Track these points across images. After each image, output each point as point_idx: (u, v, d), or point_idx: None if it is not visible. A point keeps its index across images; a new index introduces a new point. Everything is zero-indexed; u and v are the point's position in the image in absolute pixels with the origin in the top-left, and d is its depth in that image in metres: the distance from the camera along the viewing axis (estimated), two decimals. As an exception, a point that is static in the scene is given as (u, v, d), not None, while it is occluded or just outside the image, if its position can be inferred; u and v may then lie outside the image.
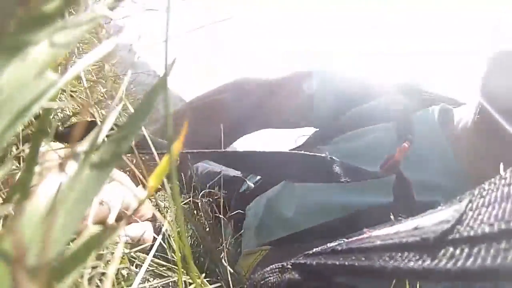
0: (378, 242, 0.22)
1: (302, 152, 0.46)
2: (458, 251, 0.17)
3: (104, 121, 0.12)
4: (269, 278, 0.30)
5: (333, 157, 0.46)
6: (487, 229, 0.17)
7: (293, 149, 0.68)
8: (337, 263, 0.23)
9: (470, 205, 0.20)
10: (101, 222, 0.32)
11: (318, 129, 0.67)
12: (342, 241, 0.27)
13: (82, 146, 0.12)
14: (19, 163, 0.32)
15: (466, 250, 0.17)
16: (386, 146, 0.52)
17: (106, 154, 0.12)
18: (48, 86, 0.12)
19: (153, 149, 0.24)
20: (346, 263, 0.23)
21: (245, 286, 0.39)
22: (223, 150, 0.44)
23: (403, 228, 0.22)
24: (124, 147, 0.12)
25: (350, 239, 0.27)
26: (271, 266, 0.32)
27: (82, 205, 0.12)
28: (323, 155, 0.45)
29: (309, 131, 0.70)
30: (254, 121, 0.64)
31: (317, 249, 0.29)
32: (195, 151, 0.42)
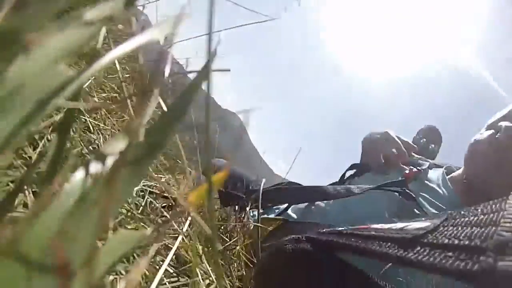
0: (373, 233, 0.29)
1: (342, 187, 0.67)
2: (422, 250, 0.25)
3: (139, 118, 0.11)
4: (287, 245, 0.37)
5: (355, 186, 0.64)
6: (446, 241, 0.24)
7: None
8: (340, 241, 0.31)
9: (445, 222, 0.27)
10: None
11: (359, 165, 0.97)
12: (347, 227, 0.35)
13: (114, 146, 0.11)
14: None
15: (427, 251, 0.24)
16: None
17: (138, 159, 0.10)
18: (67, 80, 0.11)
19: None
20: (347, 242, 0.30)
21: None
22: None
23: (394, 227, 0.29)
24: (156, 152, 0.11)
25: (353, 226, 0.34)
26: (289, 237, 0.38)
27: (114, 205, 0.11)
28: (352, 186, 0.63)
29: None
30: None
31: (327, 229, 0.37)
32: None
